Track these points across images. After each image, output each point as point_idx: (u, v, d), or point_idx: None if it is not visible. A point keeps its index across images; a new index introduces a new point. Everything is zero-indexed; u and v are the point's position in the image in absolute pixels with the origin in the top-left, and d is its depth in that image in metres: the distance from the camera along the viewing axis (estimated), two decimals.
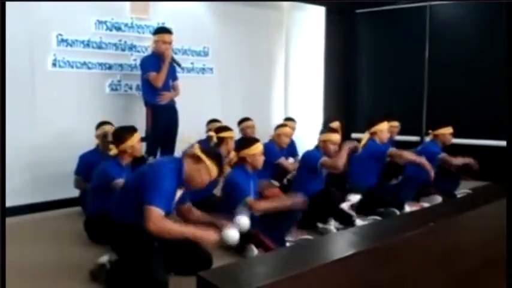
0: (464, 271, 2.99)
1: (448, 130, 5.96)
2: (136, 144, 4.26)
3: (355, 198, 5.05)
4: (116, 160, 4.22)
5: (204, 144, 5.34)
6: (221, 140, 4.91)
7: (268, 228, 3.94)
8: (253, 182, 4.18)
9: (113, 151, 4.19)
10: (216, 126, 5.30)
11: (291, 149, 6.39)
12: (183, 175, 3.23)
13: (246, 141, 4.31)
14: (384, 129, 5.50)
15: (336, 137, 4.86)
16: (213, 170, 3.28)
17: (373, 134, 5.46)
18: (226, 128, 5.06)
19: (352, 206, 4.99)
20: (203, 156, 3.23)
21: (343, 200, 4.99)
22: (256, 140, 4.29)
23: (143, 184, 3.13)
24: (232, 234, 3.51)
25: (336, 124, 6.26)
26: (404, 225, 3.11)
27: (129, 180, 3.44)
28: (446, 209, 3.79)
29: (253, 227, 3.89)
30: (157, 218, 3.02)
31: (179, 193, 3.35)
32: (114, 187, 3.94)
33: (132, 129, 4.33)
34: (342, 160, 4.66)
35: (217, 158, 3.33)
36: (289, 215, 4.14)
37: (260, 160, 4.17)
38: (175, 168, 3.22)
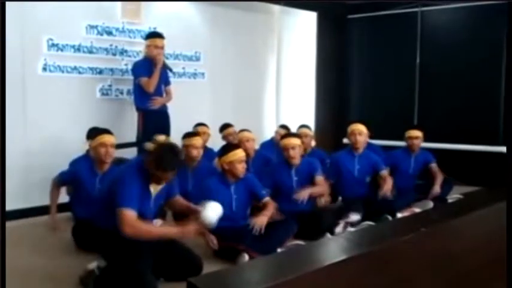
0: (458, 276, 2.99)
1: (408, 133, 5.80)
2: (98, 147, 4.20)
3: (354, 217, 4.77)
4: (90, 165, 4.23)
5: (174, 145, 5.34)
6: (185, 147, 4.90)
7: (260, 242, 3.85)
8: (235, 190, 4.09)
9: (86, 148, 4.27)
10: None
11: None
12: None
13: (226, 148, 4.22)
14: (348, 133, 5.36)
15: (291, 141, 4.73)
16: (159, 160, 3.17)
17: (348, 138, 5.43)
18: (188, 135, 5.04)
19: (349, 223, 4.72)
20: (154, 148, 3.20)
21: (338, 217, 4.69)
22: (235, 147, 4.20)
23: (113, 189, 3.15)
24: (211, 214, 3.32)
25: (303, 131, 6.04)
26: (396, 230, 3.11)
27: (105, 186, 3.45)
28: (437, 214, 3.79)
29: (245, 242, 3.81)
30: (130, 219, 3.03)
31: (158, 188, 3.32)
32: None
33: (98, 131, 4.34)
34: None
35: (168, 150, 3.22)
36: (284, 229, 4.06)
37: (239, 168, 4.03)
38: (138, 165, 3.21)
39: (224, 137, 5.98)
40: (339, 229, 4.56)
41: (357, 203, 4.93)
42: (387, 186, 5.02)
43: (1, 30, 2.75)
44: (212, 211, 3.33)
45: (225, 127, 6.07)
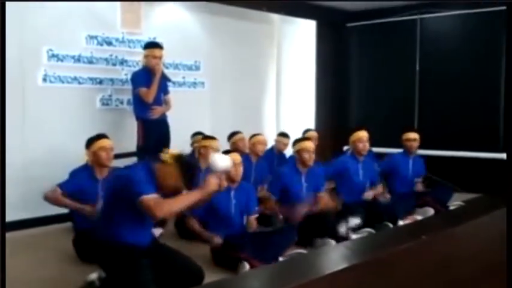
0: (458, 284, 2.98)
1: (406, 136, 5.87)
2: (99, 151, 4.23)
3: (354, 222, 4.76)
4: (90, 172, 4.23)
5: (190, 157, 5.36)
6: (199, 151, 5.18)
7: (261, 251, 3.84)
8: (235, 195, 4.18)
9: (86, 158, 4.25)
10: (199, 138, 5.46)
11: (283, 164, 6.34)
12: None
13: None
14: (355, 139, 5.35)
15: (306, 144, 4.84)
16: (176, 175, 3.12)
17: (351, 145, 5.45)
18: (207, 138, 5.29)
19: (350, 228, 4.70)
20: (170, 160, 3.13)
21: (339, 220, 4.63)
22: (232, 152, 4.33)
23: (123, 190, 3.10)
24: (222, 158, 3.39)
25: (311, 134, 6.41)
26: (397, 238, 3.10)
27: (107, 195, 3.41)
28: (438, 221, 3.79)
29: (246, 250, 3.81)
30: (156, 202, 2.99)
31: None
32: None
33: (97, 137, 4.32)
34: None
35: (185, 165, 3.17)
36: (285, 236, 4.08)
37: (240, 171, 4.17)
38: (145, 167, 3.20)
39: (233, 144, 6.02)
40: (342, 229, 4.54)
41: (356, 207, 4.97)
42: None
43: (1, 30, 2.76)
44: (221, 157, 3.41)
45: (233, 134, 6.12)
